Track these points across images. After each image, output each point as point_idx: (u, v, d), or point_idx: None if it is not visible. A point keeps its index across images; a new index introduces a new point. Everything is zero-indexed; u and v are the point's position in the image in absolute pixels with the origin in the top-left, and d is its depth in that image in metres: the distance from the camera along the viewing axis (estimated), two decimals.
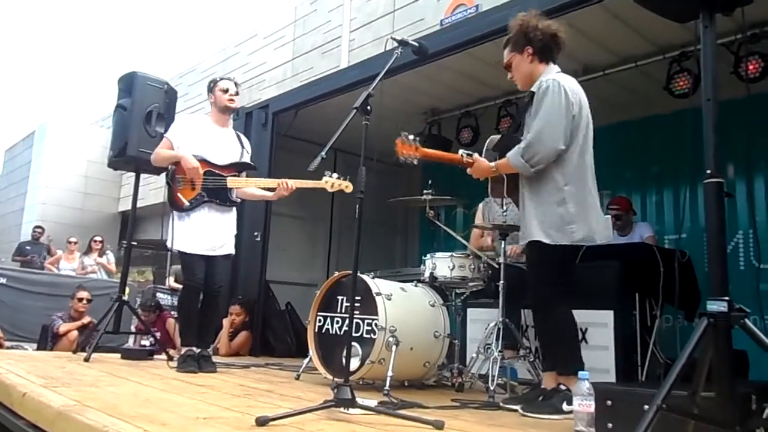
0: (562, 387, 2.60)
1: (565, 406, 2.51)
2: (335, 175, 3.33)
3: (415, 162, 2.74)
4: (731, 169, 5.33)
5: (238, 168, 3.87)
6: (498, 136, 3.11)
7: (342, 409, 2.27)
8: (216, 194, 3.76)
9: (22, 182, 14.98)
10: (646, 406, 1.56)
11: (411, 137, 2.72)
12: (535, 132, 2.59)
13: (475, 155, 2.86)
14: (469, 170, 2.87)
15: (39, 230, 9.78)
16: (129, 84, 4.44)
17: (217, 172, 3.77)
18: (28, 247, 9.31)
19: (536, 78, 2.77)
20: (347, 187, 3.36)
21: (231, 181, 3.77)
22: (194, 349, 3.74)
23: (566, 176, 2.61)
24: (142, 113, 4.36)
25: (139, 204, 4.93)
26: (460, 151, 2.86)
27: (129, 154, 4.29)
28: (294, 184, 3.66)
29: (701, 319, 1.59)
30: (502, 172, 2.79)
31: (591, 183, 2.68)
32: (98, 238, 8.74)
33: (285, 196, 3.71)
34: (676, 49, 4.61)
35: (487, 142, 3.09)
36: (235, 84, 3.99)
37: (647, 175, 5.88)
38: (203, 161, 3.76)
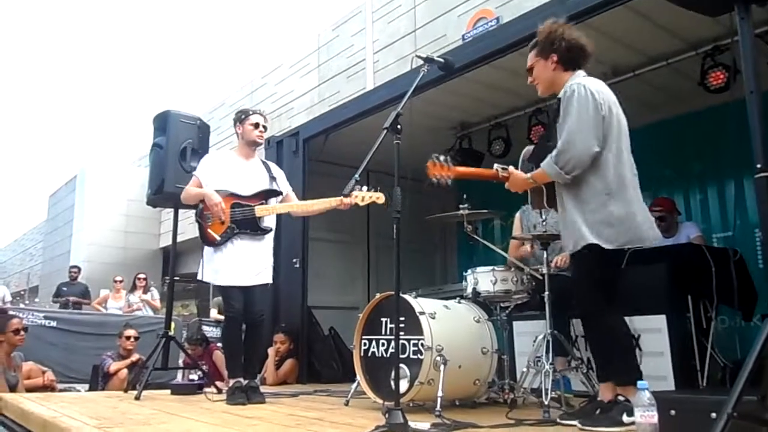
0: (621, 398, 2.51)
1: (625, 418, 2.42)
2: (365, 188, 3.31)
3: (449, 183, 2.72)
4: None
5: (264, 196, 3.87)
6: (532, 147, 3.06)
7: None
8: (246, 225, 3.78)
9: (66, 226, 15.48)
10: (714, 414, 1.49)
11: (442, 158, 2.70)
12: (566, 137, 2.53)
13: (511, 168, 2.82)
14: (507, 185, 2.84)
15: (75, 270, 9.84)
16: (163, 122, 4.55)
17: (244, 203, 3.80)
18: (64, 288, 9.39)
19: (559, 85, 2.74)
20: (378, 198, 3.35)
21: (259, 210, 3.79)
22: (241, 380, 3.74)
23: (605, 179, 2.55)
24: (177, 150, 4.44)
25: (179, 239, 5.01)
26: (495, 166, 2.83)
27: (167, 190, 4.37)
28: (352, 200, 3.49)
29: (766, 320, 1.52)
30: (539, 182, 2.74)
31: (632, 183, 2.60)
32: (142, 276, 8.91)
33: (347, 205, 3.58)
34: (708, 44, 4.50)
35: (523, 153, 3.04)
36: (265, 118, 4.05)
37: (689, 173, 5.72)
38: (229, 195, 3.80)
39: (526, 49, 2.93)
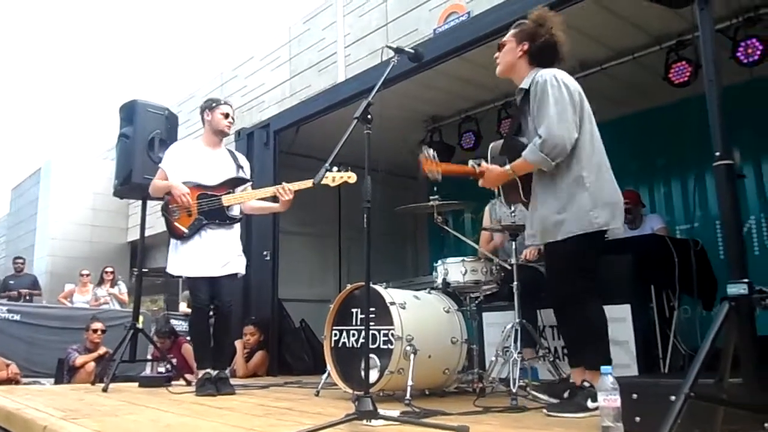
0: (586, 384, 2.56)
1: (590, 403, 2.47)
2: (335, 168, 3.29)
3: (439, 178, 2.75)
4: (737, 156, 5.29)
5: (231, 185, 3.84)
6: (499, 142, 3.04)
7: (364, 422, 2.24)
8: (214, 215, 3.75)
9: (30, 219, 15.09)
10: (673, 397, 1.54)
11: (431, 152, 2.73)
12: (548, 125, 2.53)
13: (484, 164, 2.81)
14: (481, 182, 2.81)
15: (20, 261, 9.33)
16: (130, 112, 4.47)
17: (210, 193, 3.77)
18: (11, 282, 8.86)
19: (517, 74, 2.76)
20: (350, 177, 3.33)
21: (226, 199, 3.76)
22: (210, 371, 3.72)
23: (581, 163, 2.57)
24: (144, 140, 4.38)
25: (147, 233, 4.94)
26: (470, 162, 2.82)
27: (134, 181, 4.31)
28: (292, 186, 3.62)
29: (722, 303, 1.57)
30: (519, 173, 2.71)
31: (607, 167, 2.65)
32: (109, 269, 8.74)
33: (289, 201, 3.65)
34: (672, 39, 4.60)
35: (490, 149, 3.03)
36: (233, 111, 4.03)
37: (653, 167, 5.86)
38: (196, 186, 3.76)
39: (495, 42, 2.95)
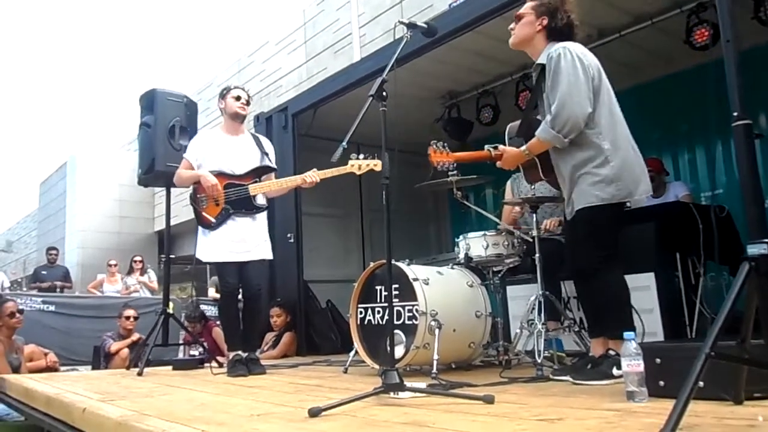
0: (612, 352, 2.57)
1: (615, 371, 2.48)
2: (361, 156, 3.33)
3: (452, 169, 2.77)
4: (763, 118, 5.19)
5: (257, 173, 3.89)
6: (517, 123, 3.04)
7: (392, 394, 2.29)
8: (241, 204, 3.80)
9: (59, 213, 15.44)
10: None
11: (440, 144, 2.77)
12: (560, 100, 2.52)
13: (501, 146, 2.83)
14: (498, 163, 2.82)
15: (54, 252, 9.19)
16: (150, 101, 4.54)
17: (237, 182, 3.81)
18: (44, 272, 8.79)
19: (534, 47, 2.74)
20: (376, 165, 3.37)
21: (253, 189, 3.80)
22: (241, 353, 3.81)
23: (601, 136, 2.56)
24: (165, 128, 4.44)
25: (173, 221, 5.03)
26: (486, 147, 2.84)
27: (157, 169, 4.38)
28: (318, 175, 3.67)
29: (742, 264, 1.57)
30: (535, 152, 2.72)
31: (627, 138, 2.63)
32: (138, 258, 8.91)
33: (314, 184, 3.72)
34: (692, 2, 4.50)
35: (508, 130, 3.05)
36: (248, 94, 4.06)
37: (676, 133, 5.76)
38: (222, 175, 3.81)
39: (511, 14, 2.91)
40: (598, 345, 2.70)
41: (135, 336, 5.54)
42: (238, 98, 3.96)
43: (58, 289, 8.50)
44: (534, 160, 2.79)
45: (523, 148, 2.72)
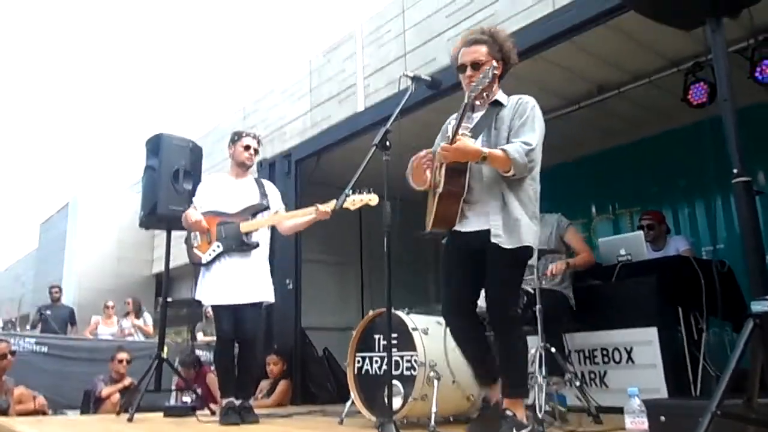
0: (509, 413, 2.44)
1: None
2: (357, 191, 3.30)
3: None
4: (762, 176, 5.24)
5: (249, 211, 3.88)
6: (474, 118, 2.75)
7: None
8: (231, 242, 3.78)
9: (58, 253, 15.39)
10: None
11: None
12: (536, 141, 2.53)
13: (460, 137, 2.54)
14: (443, 148, 2.53)
15: (57, 290, 8.83)
16: (156, 145, 4.60)
17: (229, 220, 3.82)
18: (48, 312, 8.37)
19: (490, 91, 2.68)
20: (371, 200, 3.32)
21: (244, 226, 3.79)
22: (234, 400, 3.72)
23: (536, 188, 2.64)
24: (170, 172, 4.49)
25: (171, 264, 5.01)
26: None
27: (159, 212, 4.40)
28: (329, 207, 3.57)
29: (746, 321, 1.56)
30: (491, 162, 2.49)
31: None
32: (128, 300, 8.75)
33: (326, 213, 3.62)
34: (688, 61, 4.61)
35: (449, 126, 2.88)
36: (258, 141, 4.10)
37: (676, 188, 5.80)
38: (215, 214, 3.83)
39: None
40: (495, 392, 2.61)
41: (127, 381, 5.44)
42: (247, 147, 4.00)
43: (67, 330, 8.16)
44: (465, 168, 2.57)
45: (486, 150, 2.49)
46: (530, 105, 2.63)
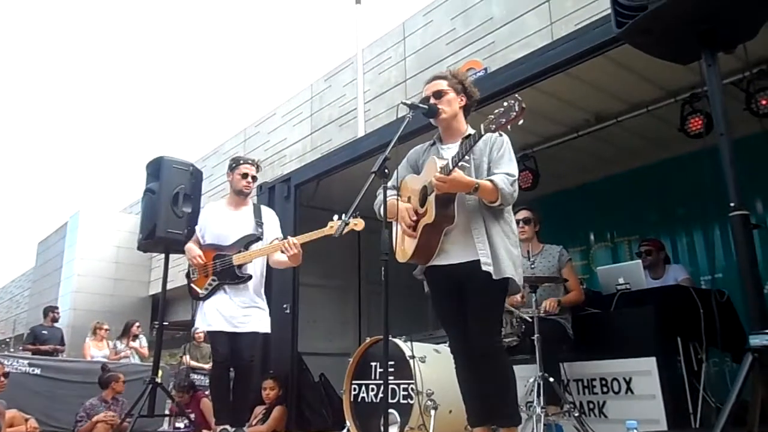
0: None
1: None
2: (344, 216, 3.25)
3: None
4: (760, 205, 5.26)
5: (242, 243, 3.84)
6: (420, 148, 2.98)
7: None
8: (226, 275, 3.79)
9: (55, 273, 15.35)
10: None
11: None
12: (516, 171, 2.63)
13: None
14: (436, 179, 2.50)
15: (57, 311, 8.71)
16: (156, 168, 4.60)
17: (224, 253, 3.82)
18: (44, 332, 8.28)
19: (460, 122, 2.79)
20: (356, 225, 3.19)
21: (237, 258, 3.78)
22: (228, 428, 3.68)
23: (511, 216, 2.71)
24: (169, 195, 4.48)
25: (168, 286, 4.99)
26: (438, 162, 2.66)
27: (158, 235, 4.39)
28: (297, 240, 3.56)
29: (746, 355, 1.55)
30: (480, 193, 2.53)
31: None
32: (137, 323, 8.67)
33: (296, 256, 3.54)
34: (686, 92, 4.65)
35: (414, 154, 2.97)
36: (257, 167, 4.08)
37: (674, 217, 5.82)
38: (213, 247, 3.85)
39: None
40: None
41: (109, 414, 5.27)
42: (245, 175, 3.98)
43: (53, 354, 8.22)
44: (452, 198, 2.59)
45: (476, 182, 2.52)
46: (504, 139, 2.69)
